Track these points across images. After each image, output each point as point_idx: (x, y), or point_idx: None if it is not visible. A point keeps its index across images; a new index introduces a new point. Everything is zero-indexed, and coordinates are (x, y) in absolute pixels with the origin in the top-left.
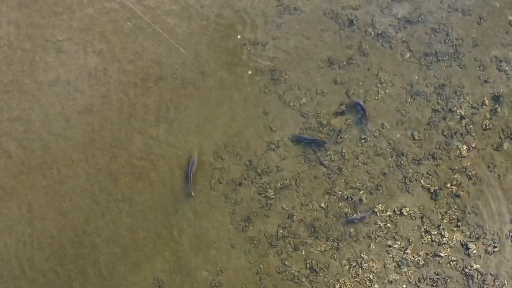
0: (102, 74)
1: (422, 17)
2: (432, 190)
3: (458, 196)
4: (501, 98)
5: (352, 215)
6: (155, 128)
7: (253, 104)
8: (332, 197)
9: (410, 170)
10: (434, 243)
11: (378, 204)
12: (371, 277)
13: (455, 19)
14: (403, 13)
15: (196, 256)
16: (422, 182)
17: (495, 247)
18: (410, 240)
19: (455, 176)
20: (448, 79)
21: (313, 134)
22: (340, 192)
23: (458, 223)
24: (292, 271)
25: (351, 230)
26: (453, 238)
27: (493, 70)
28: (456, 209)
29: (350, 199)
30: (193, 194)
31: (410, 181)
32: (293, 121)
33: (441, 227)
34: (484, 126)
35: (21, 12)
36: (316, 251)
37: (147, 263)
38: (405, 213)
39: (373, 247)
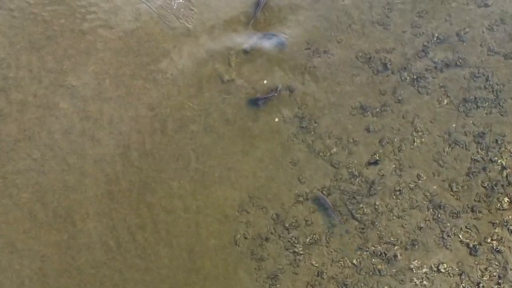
0: (118, 121)
1: (460, 61)
2: (471, 245)
3: (499, 251)
4: None
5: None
6: (175, 179)
7: (280, 154)
8: (364, 253)
9: (448, 224)
10: None
11: (414, 260)
12: None
13: (495, 63)
14: (440, 56)
15: None
16: (460, 236)
17: None
18: None
19: (496, 230)
20: (488, 127)
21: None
22: (373, 248)
23: (499, 281)
24: None
25: None
26: None
27: None
28: (497, 265)
29: (384, 255)
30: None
31: (448, 236)
32: (323, 171)
33: (481, 284)
34: None
35: (32, 55)
36: None
37: None
38: (442, 270)
39: None
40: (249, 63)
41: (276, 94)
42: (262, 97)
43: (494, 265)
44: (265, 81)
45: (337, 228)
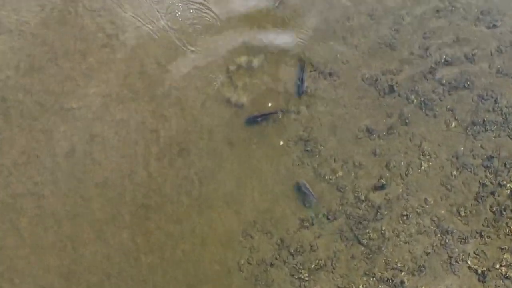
0: (121, 144)
1: (468, 83)
2: (479, 271)
3: (508, 278)
4: None
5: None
6: (178, 203)
7: (285, 178)
8: (371, 278)
9: (456, 250)
10: None
11: (421, 287)
12: None
13: (504, 85)
14: (447, 78)
15: None
16: (468, 262)
17: None
18: None
19: (504, 256)
20: (497, 151)
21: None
22: (380, 273)
23: None
24: None
25: None
26: None
27: None
28: None
29: (390, 281)
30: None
31: (456, 262)
32: (329, 195)
33: None
34: None
35: (32, 77)
36: None
37: None
38: None
39: None
40: (254, 85)
41: (275, 113)
42: (259, 115)
43: None
44: (269, 104)
45: (314, 207)
